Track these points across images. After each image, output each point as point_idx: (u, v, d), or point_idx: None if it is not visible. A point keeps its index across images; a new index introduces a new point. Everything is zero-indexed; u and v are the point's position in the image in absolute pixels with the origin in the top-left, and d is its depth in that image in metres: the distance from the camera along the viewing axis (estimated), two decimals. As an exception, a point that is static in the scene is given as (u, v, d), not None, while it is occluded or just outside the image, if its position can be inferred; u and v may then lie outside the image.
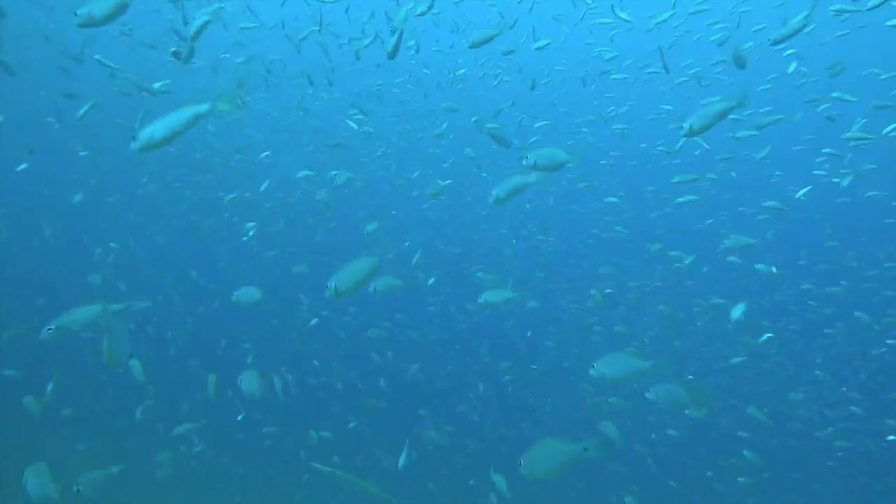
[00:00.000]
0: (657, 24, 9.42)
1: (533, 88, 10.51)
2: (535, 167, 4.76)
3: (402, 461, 5.29)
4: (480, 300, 5.78)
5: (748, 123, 9.45)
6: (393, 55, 5.01)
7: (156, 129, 3.41)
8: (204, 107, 3.48)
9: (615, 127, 11.57)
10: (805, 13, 5.31)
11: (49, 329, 4.32)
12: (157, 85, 8.16)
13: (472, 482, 11.54)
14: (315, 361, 12.92)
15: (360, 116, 12.28)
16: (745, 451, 8.56)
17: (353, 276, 4.25)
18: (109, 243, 12.80)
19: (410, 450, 5.37)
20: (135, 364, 6.19)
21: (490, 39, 5.58)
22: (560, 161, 4.81)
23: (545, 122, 15.06)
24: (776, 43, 5.61)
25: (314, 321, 11.63)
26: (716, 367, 13.69)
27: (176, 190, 17.52)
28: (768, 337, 9.24)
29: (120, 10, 3.64)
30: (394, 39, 4.99)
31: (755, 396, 13.64)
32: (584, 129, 18.16)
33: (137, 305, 4.52)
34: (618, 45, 12.41)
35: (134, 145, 3.39)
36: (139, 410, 8.42)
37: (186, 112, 3.46)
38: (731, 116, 9.24)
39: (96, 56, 7.90)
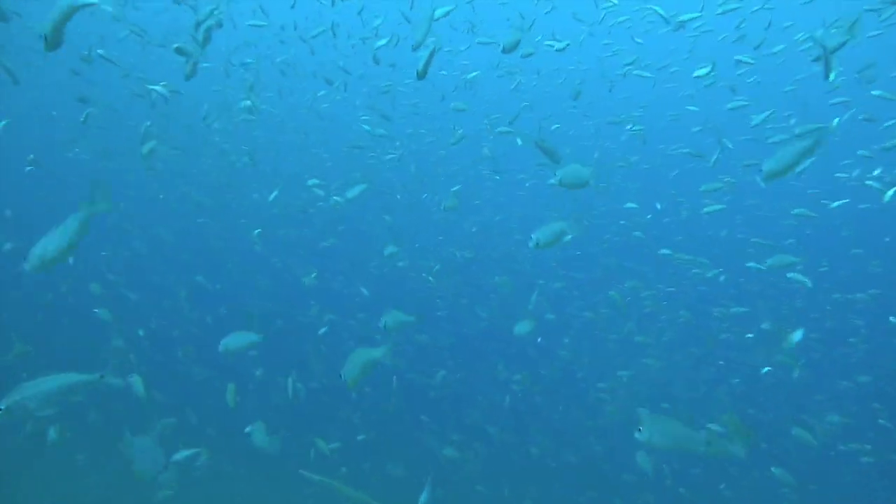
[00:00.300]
0: (680, 23, 9.11)
1: (576, 98, 10.33)
2: (560, 185, 4.78)
3: (423, 497, 5.03)
4: (514, 332, 5.78)
5: (779, 127, 9.16)
6: (423, 75, 4.74)
7: (47, 245, 3.34)
8: (84, 213, 3.53)
9: (632, 128, 11.27)
10: (852, 21, 4.96)
11: None
12: (161, 84, 7.90)
13: (479, 488, 11.33)
14: (319, 365, 12.70)
15: (366, 117, 12.06)
16: (773, 468, 8.21)
17: (358, 367, 4.40)
18: (111, 247, 12.63)
19: (433, 486, 5.11)
20: (135, 379, 5.93)
21: (519, 41, 5.36)
22: (586, 179, 4.81)
23: (558, 126, 14.76)
24: (818, 59, 5.24)
25: (323, 330, 11.39)
26: (730, 373, 13.39)
27: (183, 193, 17.34)
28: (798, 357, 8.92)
29: (68, 16, 3.09)
30: (424, 58, 4.69)
31: (772, 404, 13.34)
32: (600, 131, 17.83)
33: (110, 381, 4.11)
34: (637, 45, 12.11)
35: (27, 266, 3.31)
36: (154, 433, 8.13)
37: (73, 223, 3.48)
38: (763, 121, 8.96)
39: (99, 51, 7.65)
